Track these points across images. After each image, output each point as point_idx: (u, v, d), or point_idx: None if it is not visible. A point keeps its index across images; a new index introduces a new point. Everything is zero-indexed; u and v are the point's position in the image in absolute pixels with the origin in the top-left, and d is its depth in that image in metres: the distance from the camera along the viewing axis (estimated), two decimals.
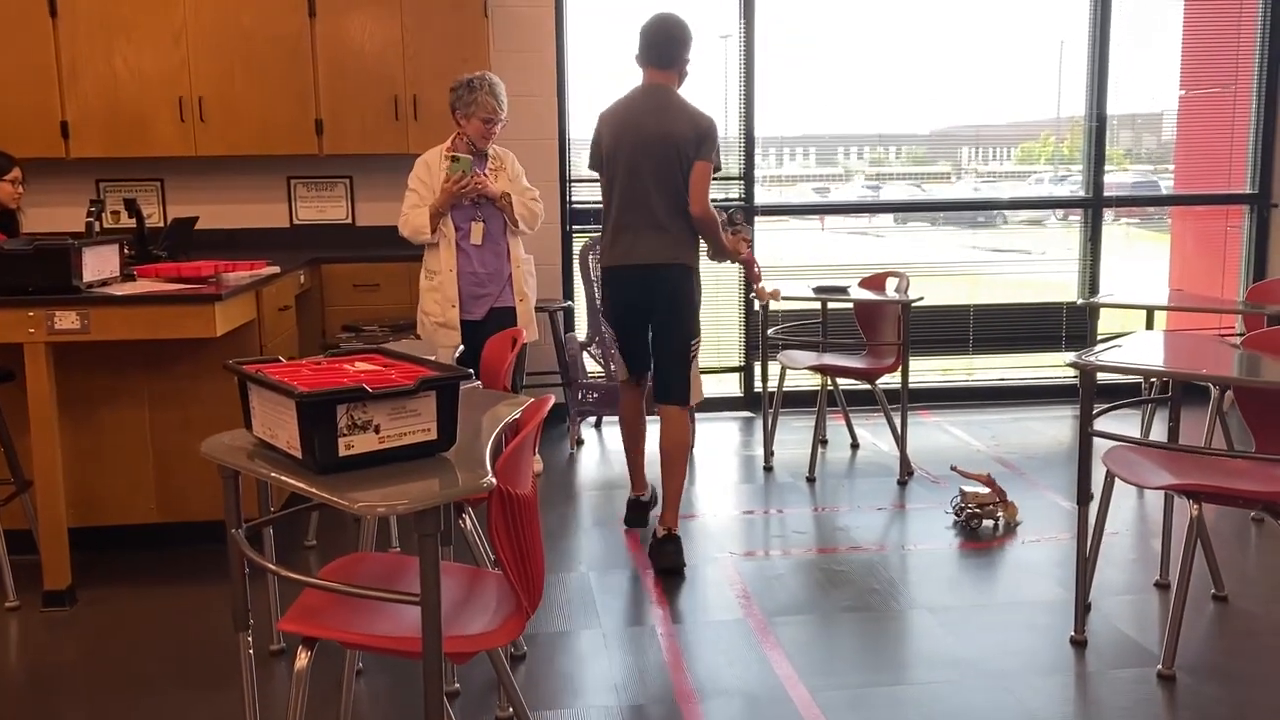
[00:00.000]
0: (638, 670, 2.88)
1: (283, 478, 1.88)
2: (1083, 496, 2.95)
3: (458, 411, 1.98)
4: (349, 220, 5.41)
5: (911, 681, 2.80)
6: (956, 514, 4.01)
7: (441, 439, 1.97)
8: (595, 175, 3.85)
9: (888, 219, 6.61)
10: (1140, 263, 6.81)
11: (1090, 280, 6.06)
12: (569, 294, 5.60)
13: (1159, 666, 2.81)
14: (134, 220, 4.36)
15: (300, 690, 1.99)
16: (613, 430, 5.50)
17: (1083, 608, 3.03)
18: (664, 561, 3.58)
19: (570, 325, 5.57)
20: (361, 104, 4.99)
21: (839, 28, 5.75)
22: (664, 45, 3.67)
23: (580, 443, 5.24)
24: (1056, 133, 6.42)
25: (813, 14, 5.61)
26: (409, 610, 2.11)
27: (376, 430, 1.89)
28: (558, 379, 5.34)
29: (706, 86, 4.99)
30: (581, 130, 5.60)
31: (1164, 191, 6.57)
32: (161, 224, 5.14)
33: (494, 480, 1.83)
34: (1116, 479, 3.03)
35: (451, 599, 2.14)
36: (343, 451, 1.86)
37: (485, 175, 4.08)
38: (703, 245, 3.83)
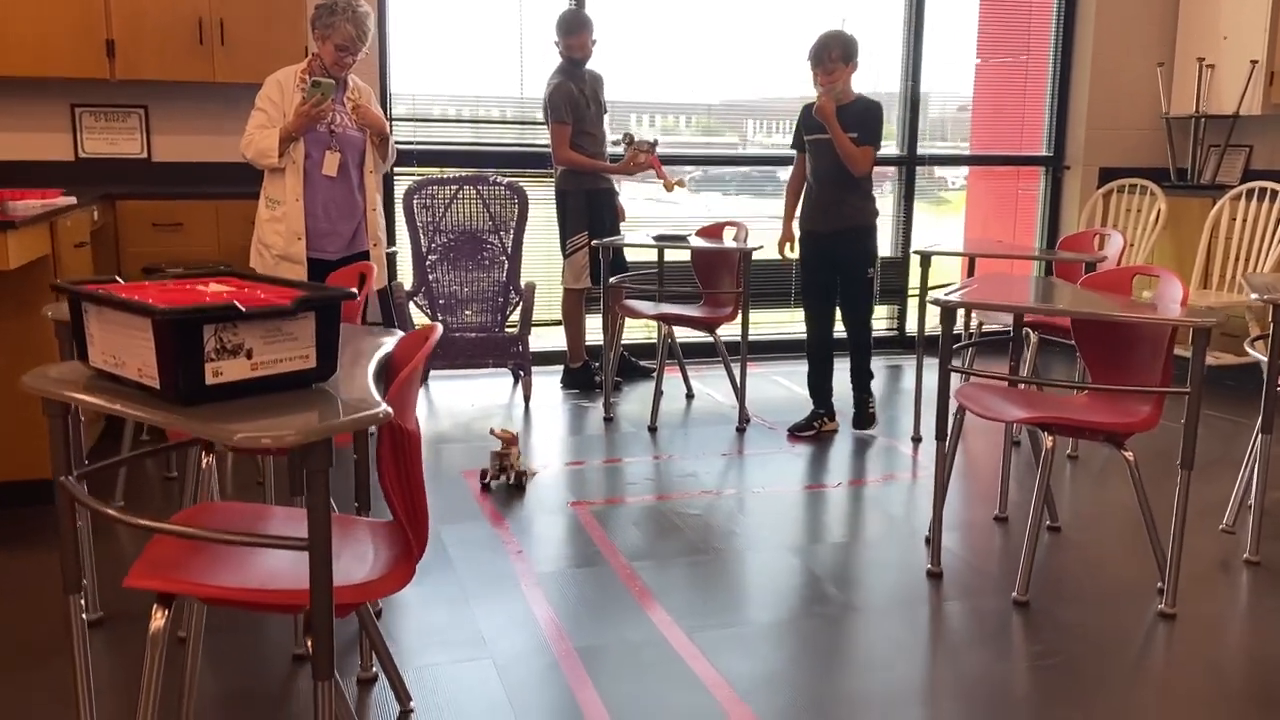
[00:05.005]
0: (505, 621, 2.74)
1: (135, 411, 1.62)
2: (941, 432, 3.00)
3: (339, 337, 1.77)
4: (144, 155, 4.91)
5: (783, 618, 2.78)
6: (481, 477, 3.80)
7: (321, 367, 1.75)
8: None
9: (681, 192, 6.68)
10: (936, 223, 7.11)
11: (904, 235, 6.27)
12: (391, 239, 5.29)
13: (1014, 594, 2.90)
14: None
15: (157, 656, 1.74)
16: (440, 385, 5.28)
17: (937, 541, 3.11)
18: None
19: (394, 273, 5.28)
20: (161, 24, 4.50)
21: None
22: None
23: None
24: None
25: None
26: (276, 560, 1.89)
27: (249, 355, 1.66)
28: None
29: (498, 46, 4.97)
30: (403, 61, 5.29)
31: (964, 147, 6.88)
32: None
33: (390, 410, 1.64)
34: (968, 414, 3.12)
35: None
36: (210, 379, 1.62)
37: (342, 105, 3.80)
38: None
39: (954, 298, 2.87)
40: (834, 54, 4.08)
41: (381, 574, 1.84)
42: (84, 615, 1.90)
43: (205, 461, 2.58)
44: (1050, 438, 2.84)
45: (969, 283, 3.18)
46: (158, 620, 1.73)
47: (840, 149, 4.13)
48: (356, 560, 1.92)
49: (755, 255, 4.45)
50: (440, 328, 1.97)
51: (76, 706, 1.90)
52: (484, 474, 3.78)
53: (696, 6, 5.89)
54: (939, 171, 7.18)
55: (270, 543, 1.73)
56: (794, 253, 4.49)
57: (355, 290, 1.84)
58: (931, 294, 2.89)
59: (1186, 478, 2.74)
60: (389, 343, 2.13)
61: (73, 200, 3.47)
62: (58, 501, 1.84)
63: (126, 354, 1.68)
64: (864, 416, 4.51)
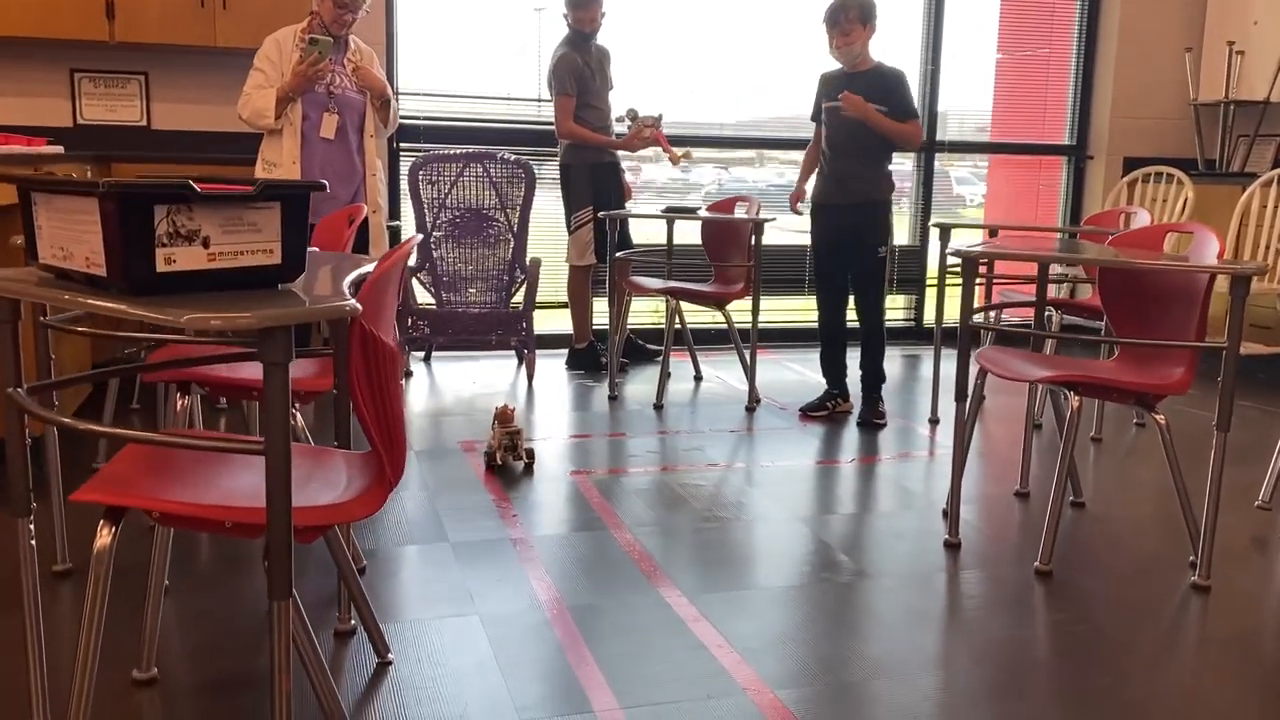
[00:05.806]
0: (496, 581, 2.58)
1: (81, 300, 1.49)
2: (961, 392, 2.84)
3: (307, 232, 1.63)
4: (144, 122, 4.81)
5: (792, 584, 2.61)
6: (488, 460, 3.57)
7: (286, 265, 1.61)
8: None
9: (694, 198, 6.59)
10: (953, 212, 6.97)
11: (922, 223, 6.12)
12: (396, 214, 5.17)
13: (1036, 563, 2.73)
14: None
15: (102, 575, 1.59)
16: (442, 364, 5.14)
17: (955, 510, 2.94)
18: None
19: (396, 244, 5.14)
20: None
21: (650, 17, 5.64)
22: None
23: (409, 374, 4.85)
24: None
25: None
26: (237, 482, 1.74)
27: (205, 244, 1.52)
28: None
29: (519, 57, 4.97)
30: (411, 35, 5.18)
31: (982, 167, 6.75)
32: None
33: (359, 306, 1.50)
34: (986, 400, 2.95)
35: (294, 472, 1.79)
36: (161, 266, 1.48)
37: (342, 66, 3.69)
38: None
39: (972, 250, 2.72)
40: (850, 14, 3.88)
41: (351, 498, 1.69)
42: (33, 541, 1.75)
43: (181, 404, 2.44)
44: (1076, 398, 2.68)
45: (990, 241, 3.03)
46: (104, 537, 1.58)
47: (889, 133, 3.95)
48: (327, 486, 1.77)
49: (768, 240, 4.30)
50: (420, 236, 1.83)
51: (25, 636, 1.75)
52: (490, 456, 3.53)
53: (713, 27, 5.82)
54: (958, 189, 7.05)
55: (223, 446, 1.58)
56: (805, 208, 4.34)
57: (326, 183, 1.70)
58: (952, 246, 2.74)
59: (1223, 440, 2.57)
60: (369, 265, 2.00)
61: (59, 149, 3.36)
62: (5, 415, 1.70)
63: (74, 244, 1.54)
64: (873, 412, 4.19)
